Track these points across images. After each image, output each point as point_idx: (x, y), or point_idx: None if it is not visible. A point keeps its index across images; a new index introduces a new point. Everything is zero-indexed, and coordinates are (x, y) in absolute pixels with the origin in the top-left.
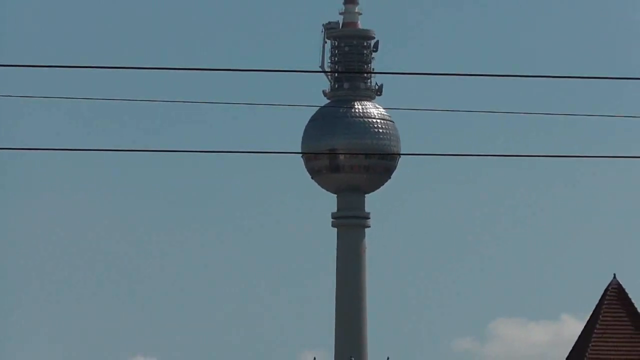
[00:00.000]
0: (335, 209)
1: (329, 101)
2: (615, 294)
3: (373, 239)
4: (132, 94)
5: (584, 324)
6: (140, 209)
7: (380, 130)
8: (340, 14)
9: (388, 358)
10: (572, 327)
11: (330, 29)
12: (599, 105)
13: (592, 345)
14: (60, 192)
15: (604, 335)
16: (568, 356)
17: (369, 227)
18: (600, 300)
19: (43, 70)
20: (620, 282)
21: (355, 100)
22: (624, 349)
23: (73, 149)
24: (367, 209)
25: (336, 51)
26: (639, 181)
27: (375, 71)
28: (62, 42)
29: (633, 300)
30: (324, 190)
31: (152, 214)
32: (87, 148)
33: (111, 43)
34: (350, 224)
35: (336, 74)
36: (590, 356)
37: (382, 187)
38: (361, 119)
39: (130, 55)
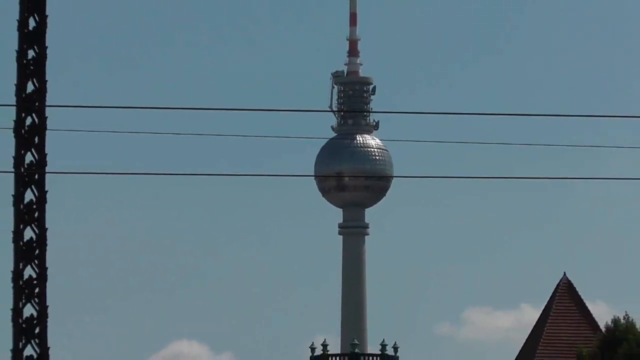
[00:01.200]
0: (341, 220)
1: (336, 134)
2: (565, 288)
3: (371, 244)
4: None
5: (540, 312)
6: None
7: (377, 158)
8: (345, 64)
9: (384, 340)
10: (530, 315)
11: (337, 77)
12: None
13: (547, 330)
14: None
15: (556, 321)
16: (527, 338)
17: (368, 235)
18: (553, 293)
19: None
20: (570, 279)
21: (357, 134)
22: (572, 332)
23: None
24: (366, 220)
25: (342, 94)
26: (587, 195)
27: (373, 110)
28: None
29: (580, 294)
30: (332, 206)
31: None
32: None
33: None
34: (353, 232)
35: (342, 113)
36: (545, 338)
37: (378, 203)
38: (362, 149)
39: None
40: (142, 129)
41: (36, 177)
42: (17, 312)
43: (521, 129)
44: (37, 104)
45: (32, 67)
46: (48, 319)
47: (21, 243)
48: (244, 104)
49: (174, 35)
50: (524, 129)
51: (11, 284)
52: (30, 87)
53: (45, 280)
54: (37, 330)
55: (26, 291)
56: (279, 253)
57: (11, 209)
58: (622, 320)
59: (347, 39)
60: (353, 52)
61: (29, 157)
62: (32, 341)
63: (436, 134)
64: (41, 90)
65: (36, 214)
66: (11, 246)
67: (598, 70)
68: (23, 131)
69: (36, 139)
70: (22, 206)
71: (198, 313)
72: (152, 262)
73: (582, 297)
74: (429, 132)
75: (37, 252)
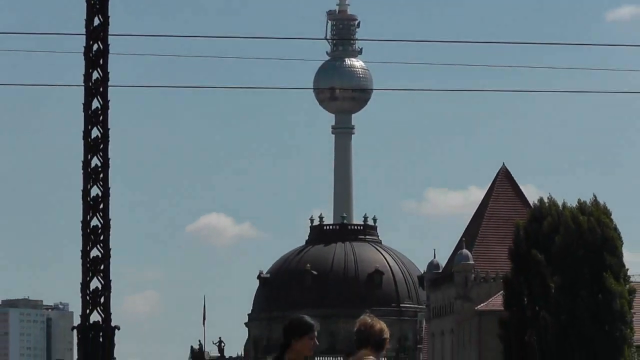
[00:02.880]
0: (333, 124)
1: (329, 58)
2: (504, 174)
3: (356, 142)
4: None
5: (484, 193)
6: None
7: (361, 75)
8: (337, 5)
9: (366, 214)
10: (477, 195)
11: (330, 14)
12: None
13: (489, 206)
14: None
15: (497, 200)
16: (474, 213)
17: (354, 134)
18: (494, 178)
19: None
20: (507, 168)
21: (346, 57)
22: (509, 209)
23: None
24: (353, 123)
25: (334, 27)
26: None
27: (357, 39)
28: None
29: (515, 179)
30: (326, 112)
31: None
32: None
33: None
34: (342, 132)
35: (334, 41)
36: (488, 213)
37: (361, 110)
38: (349, 69)
39: None
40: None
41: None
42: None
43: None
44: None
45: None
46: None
47: (89, 169)
48: (264, 33)
49: None
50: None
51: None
52: None
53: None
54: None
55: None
56: (288, 148)
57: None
58: (547, 200)
59: None
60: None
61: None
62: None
63: (405, 57)
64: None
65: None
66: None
67: None
68: (91, 54)
69: (101, 61)
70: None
71: (225, 193)
72: (187, 156)
73: (517, 181)
74: (399, 56)
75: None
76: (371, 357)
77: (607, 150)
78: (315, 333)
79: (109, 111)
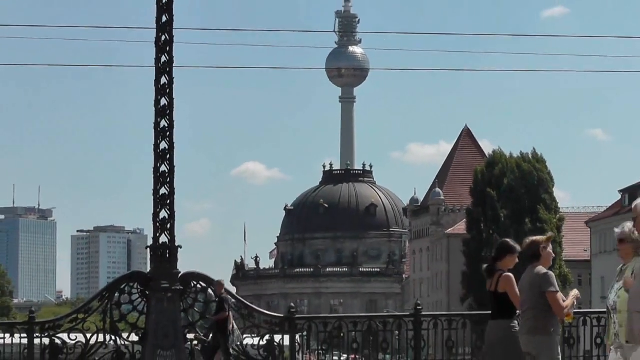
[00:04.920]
0: (340, 95)
1: (337, 46)
2: (466, 132)
3: (357, 108)
4: None
5: (452, 146)
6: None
7: (360, 59)
8: (342, 7)
9: (364, 162)
10: (445, 148)
11: (338, 13)
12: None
13: (456, 157)
14: None
15: (462, 152)
16: (444, 162)
17: (356, 102)
18: (459, 135)
19: None
20: (469, 127)
21: (349, 46)
22: (471, 158)
23: None
24: (354, 94)
25: (341, 23)
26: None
27: (358, 32)
28: None
29: (475, 136)
30: (335, 86)
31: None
32: None
33: None
34: (347, 101)
35: (340, 34)
36: (455, 163)
37: (361, 84)
38: (352, 54)
39: None
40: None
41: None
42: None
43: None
44: None
45: None
46: None
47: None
48: (288, 28)
49: None
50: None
51: None
52: None
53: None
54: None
55: None
56: (307, 113)
57: None
58: (498, 152)
59: None
60: (347, 3)
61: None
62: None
63: (394, 45)
64: None
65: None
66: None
67: None
68: (160, 43)
69: (167, 48)
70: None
71: (260, 146)
72: (234, 119)
73: (476, 138)
74: (390, 44)
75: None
76: (539, 266)
77: (544, 114)
78: (550, 245)
79: (174, 85)
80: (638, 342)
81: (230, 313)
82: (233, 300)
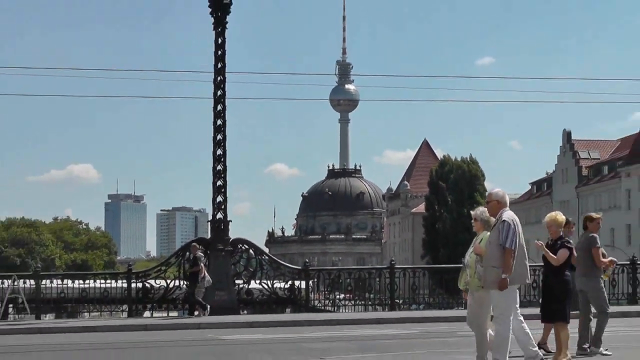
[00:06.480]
0: (339, 117)
1: (337, 84)
2: (425, 143)
3: (352, 127)
4: None
5: (415, 153)
6: None
7: (353, 93)
8: (340, 57)
9: (355, 164)
10: (411, 154)
11: (338, 62)
12: None
13: (417, 162)
14: None
15: (422, 158)
16: (409, 165)
17: (349, 122)
18: (420, 146)
19: None
20: (427, 140)
21: (345, 84)
22: (428, 162)
23: None
24: (349, 117)
25: (339, 68)
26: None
27: (351, 74)
28: None
29: (432, 146)
30: (335, 112)
31: None
32: None
33: None
34: (344, 122)
35: (339, 75)
36: (417, 166)
37: (354, 111)
38: (347, 90)
39: None
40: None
41: None
42: None
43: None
44: None
45: None
46: None
47: None
48: (303, 71)
49: None
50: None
51: None
52: None
53: None
54: None
55: None
56: (317, 131)
57: None
58: (447, 156)
59: (341, 50)
60: (344, 53)
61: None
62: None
63: (377, 83)
64: None
65: None
66: None
67: None
68: (217, 55)
69: (220, 62)
70: None
71: (284, 151)
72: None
73: (432, 146)
74: (374, 83)
75: None
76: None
77: (478, 130)
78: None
79: (226, 111)
80: (490, 287)
81: (202, 266)
82: (204, 258)
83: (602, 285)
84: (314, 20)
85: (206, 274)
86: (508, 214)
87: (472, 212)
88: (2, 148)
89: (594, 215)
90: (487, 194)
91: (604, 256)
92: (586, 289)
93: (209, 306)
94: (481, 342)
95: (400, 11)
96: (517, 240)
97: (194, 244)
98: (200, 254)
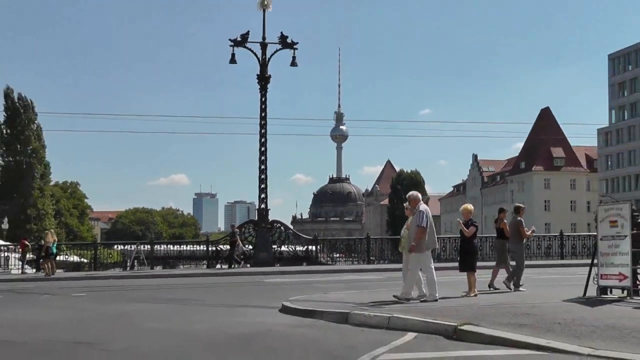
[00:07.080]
0: (336, 146)
1: (334, 125)
2: (389, 163)
3: (344, 152)
4: None
5: (382, 168)
6: None
7: (344, 130)
8: (337, 108)
9: (346, 174)
10: (379, 168)
11: (335, 112)
12: None
13: (384, 174)
14: None
15: (387, 171)
16: (379, 176)
17: (342, 149)
18: (385, 163)
19: None
20: (390, 160)
21: (340, 125)
22: (390, 173)
23: None
24: (342, 146)
25: (336, 116)
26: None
27: (344, 120)
28: None
29: (393, 164)
30: (333, 143)
31: None
32: None
33: None
34: (339, 149)
35: (336, 121)
36: (384, 176)
37: (345, 142)
38: (341, 127)
39: None
40: None
41: None
42: None
43: None
44: None
45: None
46: None
47: None
48: (309, 116)
49: None
50: None
51: None
52: None
53: None
54: None
55: None
56: (322, 155)
57: None
58: (402, 170)
59: (338, 104)
60: (339, 106)
61: None
62: None
63: (358, 125)
64: None
65: None
66: None
67: None
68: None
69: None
70: None
71: (303, 164)
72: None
73: (394, 165)
74: (357, 124)
75: None
76: (520, 218)
77: (419, 156)
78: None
79: (269, 83)
80: (410, 251)
81: (237, 238)
82: (237, 232)
83: (523, 249)
84: (320, 84)
85: (240, 242)
86: (422, 206)
87: (404, 204)
88: (132, 162)
89: (521, 205)
90: (407, 195)
91: (527, 230)
92: (513, 249)
93: (242, 262)
94: (409, 282)
95: (373, 76)
96: (428, 222)
97: (232, 224)
98: (237, 229)
